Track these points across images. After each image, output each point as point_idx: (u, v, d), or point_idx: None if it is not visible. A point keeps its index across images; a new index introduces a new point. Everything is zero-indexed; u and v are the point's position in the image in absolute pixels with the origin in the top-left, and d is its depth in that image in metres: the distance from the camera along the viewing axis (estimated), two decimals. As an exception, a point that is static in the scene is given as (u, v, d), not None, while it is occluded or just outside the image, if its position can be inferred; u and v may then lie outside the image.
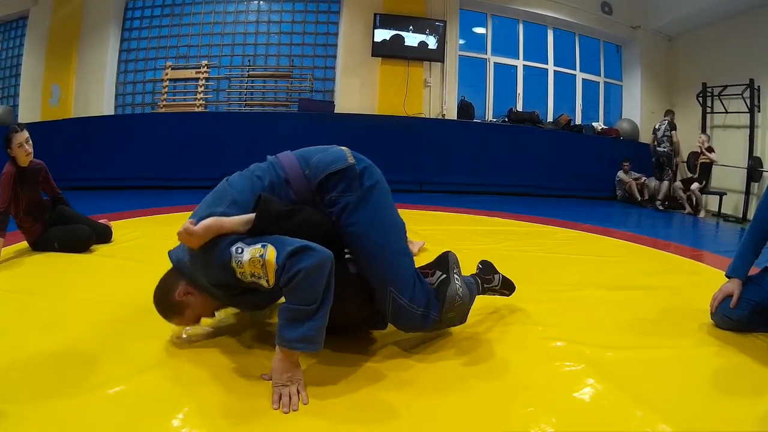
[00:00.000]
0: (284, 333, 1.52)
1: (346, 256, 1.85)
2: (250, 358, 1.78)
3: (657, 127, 7.99)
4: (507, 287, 2.28)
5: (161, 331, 1.99)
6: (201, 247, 1.58)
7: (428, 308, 1.76)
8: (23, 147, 3.16)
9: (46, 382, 1.55)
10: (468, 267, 2.17)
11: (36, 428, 1.32)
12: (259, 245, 1.53)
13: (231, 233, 1.58)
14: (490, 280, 2.21)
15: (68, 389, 1.50)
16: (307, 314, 1.51)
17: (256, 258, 1.51)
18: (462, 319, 1.66)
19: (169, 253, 1.81)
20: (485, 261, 2.31)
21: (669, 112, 8.17)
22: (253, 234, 1.59)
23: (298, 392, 1.51)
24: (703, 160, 7.57)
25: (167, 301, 1.76)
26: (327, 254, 1.52)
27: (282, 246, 1.51)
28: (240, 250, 1.54)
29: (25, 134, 3.18)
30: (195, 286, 1.73)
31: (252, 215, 1.61)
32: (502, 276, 2.27)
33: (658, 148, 7.90)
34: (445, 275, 1.74)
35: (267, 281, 1.52)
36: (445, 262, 1.82)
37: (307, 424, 1.39)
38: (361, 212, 1.72)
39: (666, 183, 7.81)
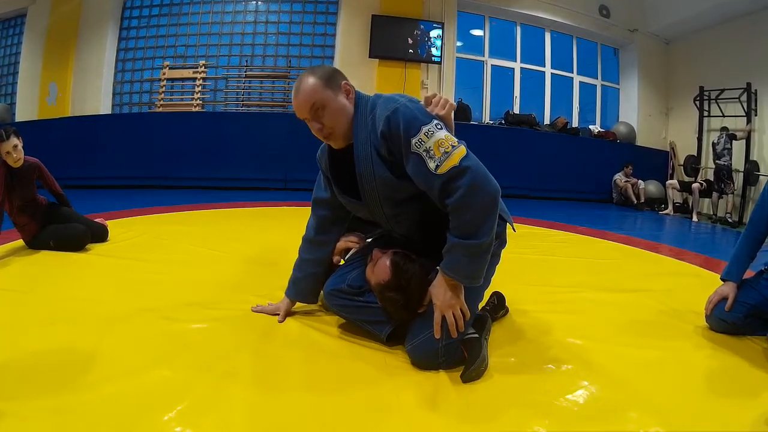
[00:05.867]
0: (461, 269, 1.63)
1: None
2: (247, 359, 1.78)
3: (716, 142, 7.52)
4: (504, 314, 2.32)
5: (157, 330, 1.99)
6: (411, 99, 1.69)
7: (449, 358, 1.74)
8: (10, 155, 3.10)
9: (43, 380, 1.54)
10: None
11: (33, 427, 1.32)
12: (455, 138, 1.62)
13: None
14: (497, 317, 2.23)
15: (65, 388, 1.50)
16: (467, 248, 1.60)
17: (447, 144, 1.59)
18: (479, 377, 1.69)
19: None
20: (499, 294, 2.31)
21: (725, 129, 7.58)
22: None
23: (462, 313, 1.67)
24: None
25: (332, 72, 1.76)
26: (497, 194, 1.59)
27: (474, 161, 1.58)
28: (440, 126, 1.63)
29: (12, 142, 3.09)
30: (360, 100, 1.79)
31: None
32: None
33: (718, 162, 7.44)
34: (477, 335, 1.76)
35: (436, 165, 1.58)
36: (482, 323, 1.84)
37: (304, 423, 1.39)
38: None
39: (731, 196, 7.33)
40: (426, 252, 1.84)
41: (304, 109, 1.72)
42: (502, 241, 1.90)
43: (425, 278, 1.78)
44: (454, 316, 1.65)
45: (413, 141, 1.60)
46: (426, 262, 1.82)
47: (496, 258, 1.90)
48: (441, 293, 1.67)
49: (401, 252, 1.82)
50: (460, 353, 1.73)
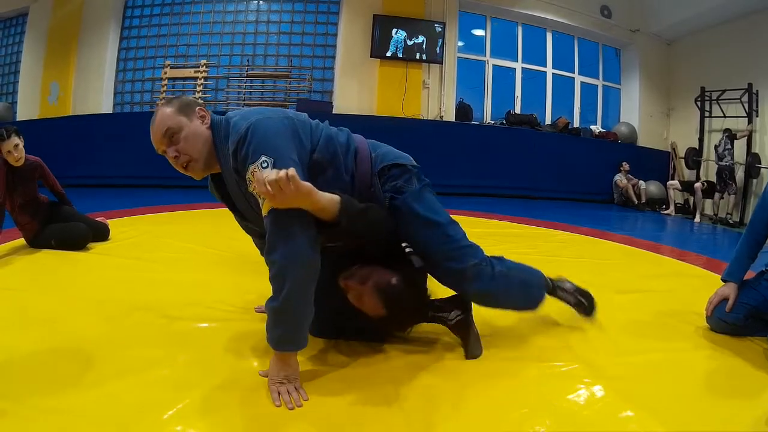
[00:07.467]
0: (267, 332, 1.55)
1: (407, 249, 1.82)
2: (247, 357, 1.78)
3: (717, 144, 7.55)
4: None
5: (158, 329, 1.99)
6: (259, 137, 1.53)
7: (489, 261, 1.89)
8: (11, 154, 3.10)
9: (43, 379, 1.55)
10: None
11: (33, 426, 1.32)
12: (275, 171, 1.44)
13: (310, 207, 1.50)
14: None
15: (65, 387, 1.50)
16: (275, 311, 1.51)
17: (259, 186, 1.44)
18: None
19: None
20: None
21: (727, 130, 7.58)
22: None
23: (297, 389, 1.51)
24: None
25: (186, 100, 1.71)
26: (290, 264, 1.47)
27: (276, 218, 1.48)
28: (266, 164, 1.49)
29: (13, 141, 3.09)
30: (215, 124, 1.69)
31: (336, 199, 1.54)
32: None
33: (720, 163, 7.43)
34: (463, 315, 1.80)
35: (260, 210, 1.53)
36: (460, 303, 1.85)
37: (301, 423, 1.39)
38: (425, 197, 1.85)
39: (732, 197, 7.34)
40: (381, 253, 1.73)
41: (159, 137, 1.65)
42: (411, 180, 1.84)
43: (412, 284, 1.70)
44: (288, 392, 1.51)
45: (246, 173, 1.54)
46: (400, 268, 1.71)
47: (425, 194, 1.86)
48: (274, 369, 1.56)
49: (377, 276, 1.64)
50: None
